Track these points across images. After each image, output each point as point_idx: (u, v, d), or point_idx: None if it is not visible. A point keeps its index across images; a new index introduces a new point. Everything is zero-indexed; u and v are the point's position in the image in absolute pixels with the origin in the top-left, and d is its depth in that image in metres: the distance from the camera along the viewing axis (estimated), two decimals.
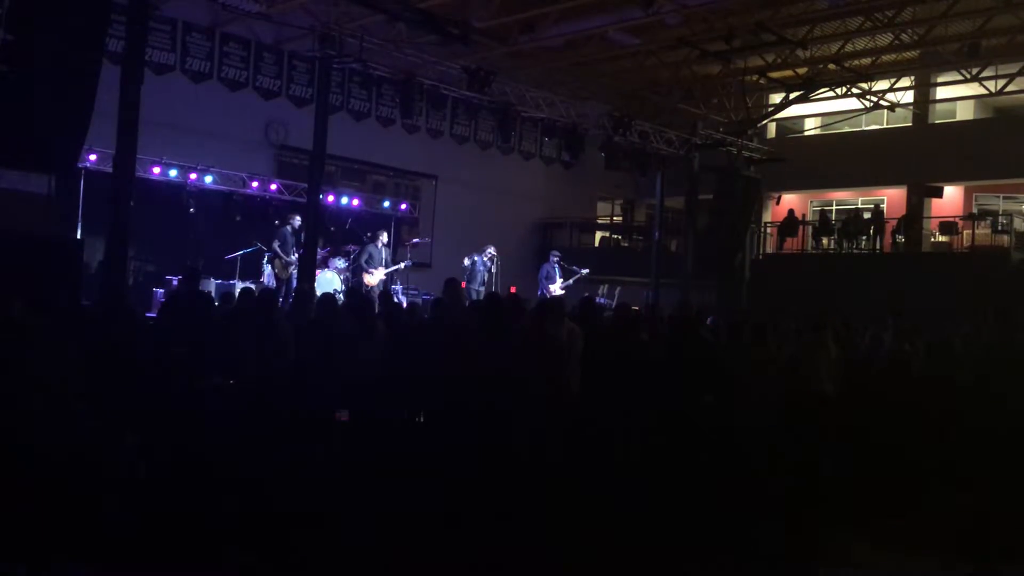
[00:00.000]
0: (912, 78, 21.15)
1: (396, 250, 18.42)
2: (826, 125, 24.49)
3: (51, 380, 6.00)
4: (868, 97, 20.15)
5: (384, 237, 15.99)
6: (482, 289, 16.24)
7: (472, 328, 7.37)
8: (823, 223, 22.54)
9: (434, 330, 7.84)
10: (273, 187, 17.12)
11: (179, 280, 12.28)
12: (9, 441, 5.52)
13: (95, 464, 5.84)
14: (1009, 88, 19.07)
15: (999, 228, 20.83)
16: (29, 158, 10.22)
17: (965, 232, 20.81)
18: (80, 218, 14.02)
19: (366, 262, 15.61)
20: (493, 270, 16.78)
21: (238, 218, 16.30)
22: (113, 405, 6.48)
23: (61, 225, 13.63)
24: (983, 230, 20.98)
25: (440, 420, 6.69)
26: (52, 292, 8.87)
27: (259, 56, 15.36)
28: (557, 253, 17.69)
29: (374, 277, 15.41)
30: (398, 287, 16.83)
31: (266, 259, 15.33)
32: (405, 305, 13.21)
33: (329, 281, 15.15)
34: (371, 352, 7.25)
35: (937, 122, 23.50)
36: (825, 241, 22.27)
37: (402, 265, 16.49)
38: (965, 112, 23.39)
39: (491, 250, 16.66)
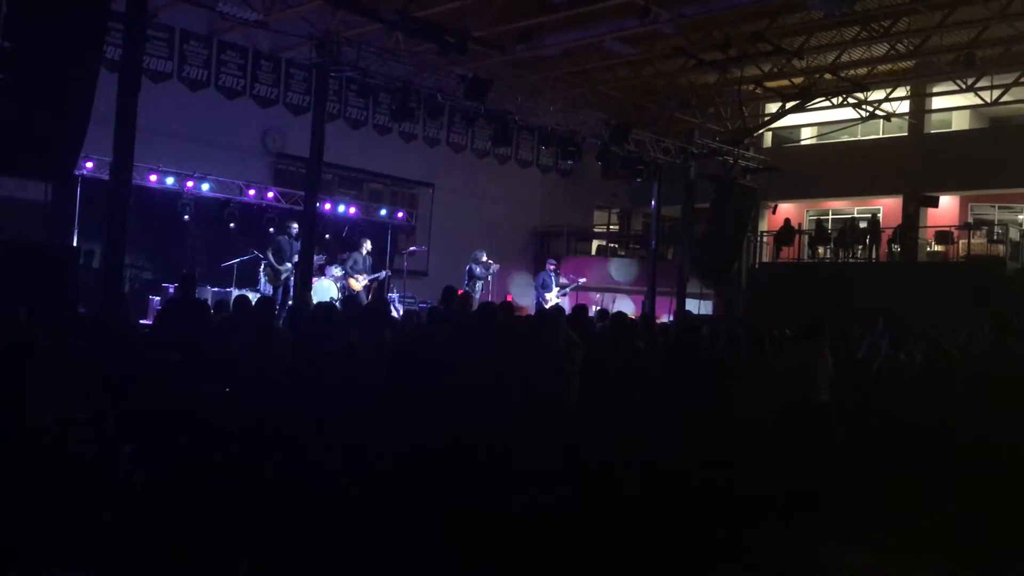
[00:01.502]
0: (908, 88, 21.23)
1: (392, 258, 18.44)
2: (822, 135, 24.57)
3: (50, 388, 5.99)
4: (864, 107, 20.23)
5: (367, 245, 16.01)
6: (479, 297, 16.26)
7: (469, 337, 7.37)
8: (819, 232, 22.58)
9: (431, 339, 7.83)
10: (270, 195, 17.10)
11: (175, 288, 12.26)
12: (7, 448, 5.51)
13: (92, 472, 5.83)
14: (1004, 98, 19.16)
15: (995, 238, 20.88)
16: (26, 166, 10.18)
17: (961, 242, 20.85)
18: (77, 226, 14.01)
19: (351, 267, 15.66)
20: (490, 278, 16.81)
21: (232, 225, 16.30)
22: (109, 413, 6.47)
23: (58, 233, 13.62)
24: (979, 240, 21.04)
25: (438, 429, 6.67)
26: (49, 300, 8.85)
27: (256, 64, 15.40)
28: (553, 261, 17.71)
29: (359, 283, 15.47)
30: (395, 295, 16.83)
31: (262, 267, 15.32)
32: (401, 313, 13.24)
33: (326, 289, 15.14)
34: (375, 360, 7.21)
35: (933, 132, 23.56)
36: (821, 250, 22.30)
37: (382, 274, 16.47)
38: (961, 122, 23.48)
39: (483, 256, 16.70)
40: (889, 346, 9.50)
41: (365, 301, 14.32)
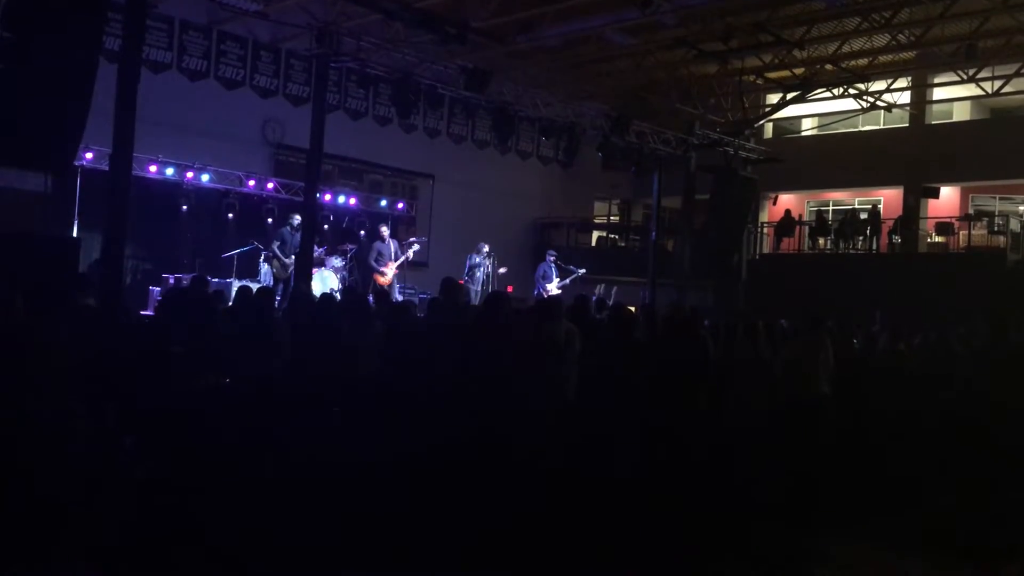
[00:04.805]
0: (909, 79, 21.18)
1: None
2: (823, 125, 24.52)
3: (50, 380, 5.99)
4: (865, 98, 20.18)
5: (385, 230, 15.95)
6: (479, 289, 16.23)
7: (469, 328, 7.36)
8: (820, 223, 22.56)
9: (431, 330, 7.82)
10: (270, 186, 17.10)
11: (186, 282, 12.22)
12: (7, 442, 5.51)
13: (92, 465, 5.83)
14: (1005, 89, 19.11)
15: (995, 229, 20.87)
16: (26, 156, 10.19)
17: (961, 233, 20.84)
18: (76, 216, 13.99)
19: (376, 261, 15.43)
20: (490, 270, 16.78)
21: (230, 216, 16.28)
22: (110, 405, 6.46)
23: (57, 223, 13.60)
24: (979, 231, 21.04)
25: (437, 421, 6.68)
26: (48, 291, 8.84)
27: (256, 55, 15.35)
28: (554, 253, 17.68)
29: (387, 276, 15.29)
30: (396, 285, 16.81)
31: (263, 258, 15.29)
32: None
33: (326, 280, 15.13)
34: (367, 352, 7.23)
35: (934, 123, 23.52)
36: (822, 241, 22.30)
37: (411, 253, 16.18)
38: (962, 113, 23.42)
39: (485, 248, 16.66)
40: (888, 338, 9.51)
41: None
